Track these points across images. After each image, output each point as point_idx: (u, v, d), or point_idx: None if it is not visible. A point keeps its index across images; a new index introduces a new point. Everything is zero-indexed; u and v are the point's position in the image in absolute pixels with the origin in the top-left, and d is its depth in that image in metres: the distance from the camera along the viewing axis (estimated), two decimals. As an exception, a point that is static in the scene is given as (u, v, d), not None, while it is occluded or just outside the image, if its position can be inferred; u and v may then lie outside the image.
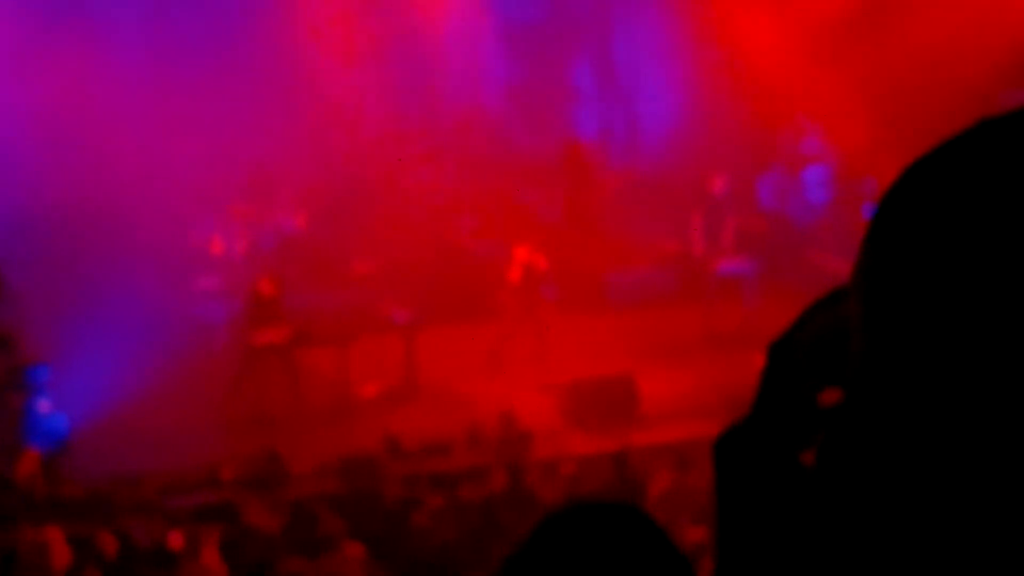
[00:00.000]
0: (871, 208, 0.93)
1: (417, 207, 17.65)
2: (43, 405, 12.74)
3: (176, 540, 9.65)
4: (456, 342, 15.62)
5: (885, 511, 0.80)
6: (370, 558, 9.72)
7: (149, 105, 16.42)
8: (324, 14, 18.38)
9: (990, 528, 0.77)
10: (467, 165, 18.72)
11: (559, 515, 1.86)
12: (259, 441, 12.95)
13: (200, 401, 13.86)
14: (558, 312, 16.11)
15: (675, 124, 19.55)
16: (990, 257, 0.78)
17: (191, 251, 16.65)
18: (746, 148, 18.29)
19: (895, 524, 0.80)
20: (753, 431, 0.90)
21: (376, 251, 17.22)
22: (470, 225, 17.96)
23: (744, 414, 0.89)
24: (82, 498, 11.65)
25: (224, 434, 13.44)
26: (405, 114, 18.37)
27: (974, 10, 17.19)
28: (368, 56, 18.35)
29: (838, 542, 0.84)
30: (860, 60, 17.42)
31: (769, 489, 0.87)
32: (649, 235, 18.31)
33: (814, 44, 17.78)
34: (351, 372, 14.54)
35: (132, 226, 15.56)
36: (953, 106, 12.20)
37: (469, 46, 19.53)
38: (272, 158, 17.25)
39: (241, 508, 10.92)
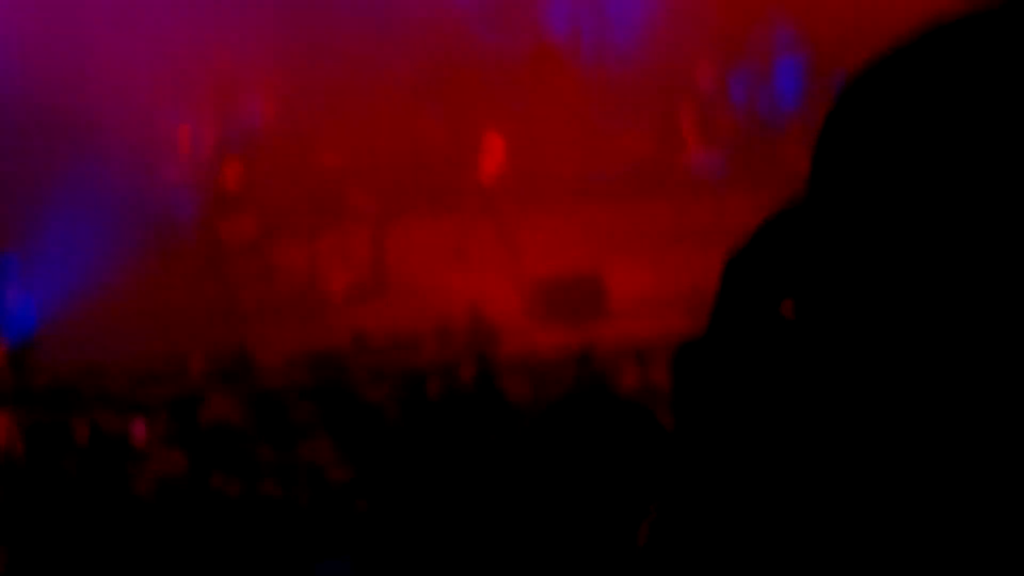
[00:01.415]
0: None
1: (384, 99, 17.49)
2: (11, 295, 12.70)
3: (139, 430, 9.66)
4: (425, 235, 15.59)
5: (843, 427, 0.80)
6: (338, 452, 9.76)
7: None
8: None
9: (954, 446, 0.76)
10: (434, 60, 18.52)
11: (574, 397, 1.89)
12: (228, 334, 12.95)
13: (168, 293, 13.83)
14: (527, 207, 16.06)
15: (645, 19, 19.37)
16: (939, 157, 0.78)
17: (159, 142, 16.51)
18: (717, 42, 18.16)
19: (852, 440, 0.80)
20: (709, 348, 0.89)
21: (344, 142, 17.10)
22: (438, 115, 17.82)
23: (701, 328, 0.89)
24: (50, 388, 11.65)
25: (192, 326, 13.43)
26: (370, 9, 18.13)
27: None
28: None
29: (795, 457, 0.83)
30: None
31: (726, 406, 0.87)
32: (621, 131, 18.23)
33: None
34: (320, 266, 14.53)
35: (101, 116, 15.41)
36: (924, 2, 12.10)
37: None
38: (240, 50, 17.04)
39: (209, 399, 10.94)
